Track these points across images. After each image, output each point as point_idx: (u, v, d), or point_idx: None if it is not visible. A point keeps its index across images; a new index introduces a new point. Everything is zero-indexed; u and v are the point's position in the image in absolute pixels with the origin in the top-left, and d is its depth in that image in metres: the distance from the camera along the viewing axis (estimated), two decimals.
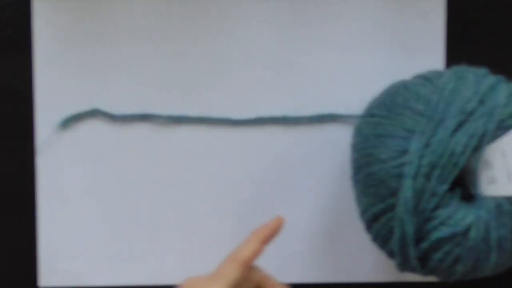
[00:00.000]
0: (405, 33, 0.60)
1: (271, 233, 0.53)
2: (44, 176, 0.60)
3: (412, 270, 0.52)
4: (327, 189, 0.60)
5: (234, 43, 0.60)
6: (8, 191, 0.61)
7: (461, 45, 0.60)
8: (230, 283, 0.50)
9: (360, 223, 0.54)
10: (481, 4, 0.60)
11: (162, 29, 0.60)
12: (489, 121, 0.48)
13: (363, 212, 0.52)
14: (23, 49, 0.60)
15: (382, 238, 0.51)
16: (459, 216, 0.49)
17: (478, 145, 0.48)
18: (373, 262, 0.60)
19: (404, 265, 0.52)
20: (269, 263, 0.60)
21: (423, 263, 0.51)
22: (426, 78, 0.52)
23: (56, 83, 0.60)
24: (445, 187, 0.48)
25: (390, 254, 0.52)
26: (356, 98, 0.59)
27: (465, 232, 0.49)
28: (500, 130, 0.49)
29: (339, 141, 0.59)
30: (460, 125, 0.49)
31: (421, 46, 0.60)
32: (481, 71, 0.52)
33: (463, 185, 0.50)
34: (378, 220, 0.51)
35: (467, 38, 0.60)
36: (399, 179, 0.49)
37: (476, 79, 0.51)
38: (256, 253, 0.52)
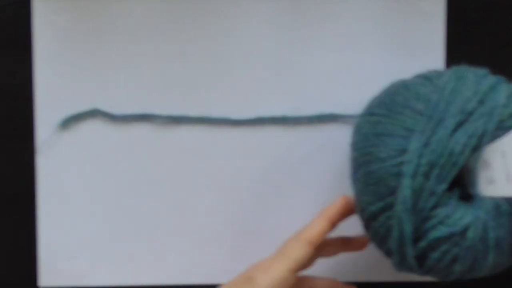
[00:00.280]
0: (405, 33, 0.60)
1: (341, 213, 0.52)
2: (44, 176, 0.60)
3: (410, 269, 0.52)
4: (327, 189, 0.60)
5: (234, 43, 0.60)
6: (8, 191, 0.61)
7: (461, 45, 0.60)
8: (296, 262, 0.49)
9: (359, 222, 0.54)
10: (481, 4, 0.60)
11: (162, 29, 0.60)
12: (488, 121, 0.48)
13: (362, 211, 0.52)
14: (23, 49, 0.60)
15: (380, 237, 0.51)
16: (457, 216, 0.49)
17: (478, 145, 0.48)
18: (372, 262, 0.60)
19: (401, 264, 0.52)
20: None
21: (421, 262, 0.51)
22: (426, 78, 0.52)
23: (56, 83, 0.60)
24: (443, 186, 0.48)
25: (388, 253, 0.52)
26: (356, 98, 0.59)
27: (463, 232, 0.49)
28: (499, 130, 0.49)
29: (339, 141, 0.59)
30: (459, 125, 0.49)
31: (421, 46, 0.60)
32: (481, 71, 0.52)
33: (462, 185, 0.50)
34: (377, 218, 0.51)
35: (467, 38, 0.60)
36: (398, 178, 0.49)
37: (476, 79, 0.51)
38: (324, 233, 0.51)
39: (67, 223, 0.60)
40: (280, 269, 0.49)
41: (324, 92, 0.60)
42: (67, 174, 0.60)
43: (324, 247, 0.54)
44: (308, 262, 0.51)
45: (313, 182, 0.60)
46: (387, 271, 0.59)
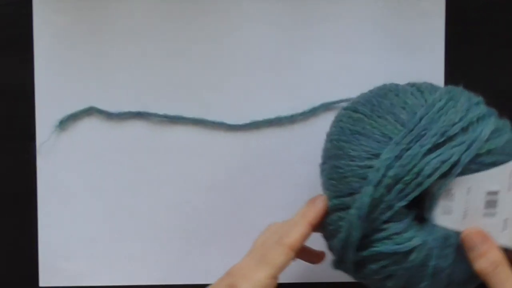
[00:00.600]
0: (405, 33, 0.60)
1: (319, 216, 0.51)
2: (44, 176, 0.60)
3: (345, 270, 0.52)
4: None
5: (234, 43, 0.60)
6: (8, 191, 0.61)
7: (461, 45, 0.60)
8: (279, 268, 0.49)
9: None
10: (481, 4, 0.60)
11: (161, 29, 0.60)
12: (466, 152, 0.48)
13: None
14: (23, 49, 0.60)
15: (329, 231, 0.51)
16: (406, 236, 0.48)
17: (447, 173, 0.47)
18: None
19: (339, 264, 0.51)
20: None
21: (357, 269, 0.51)
22: (419, 89, 0.51)
23: (56, 83, 0.60)
24: (402, 203, 0.48)
25: (331, 249, 0.52)
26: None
27: (407, 253, 0.48)
28: (474, 164, 0.48)
29: None
30: (436, 147, 0.48)
31: (421, 46, 0.60)
32: (476, 98, 0.51)
33: (419, 207, 0.50)
34: (330, 214, 0.51)
35: (467, 38, 0.60)
36: (361, 181, 0.49)
37: (468, 105, 0.50)
38: (305, 237, 0.51)
39: (67, 223, 0.60)
40: (263, 276, 0.49)
41: (324, 92, 0.60)
42: (66, 174, 0.60)
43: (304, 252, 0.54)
44: (288, 264, 0.51)
45: (312, 180, 0.60)
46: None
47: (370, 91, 0.53)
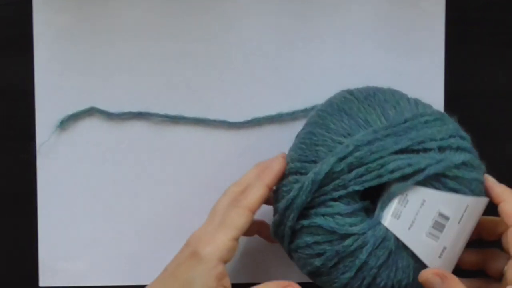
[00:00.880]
0: (405, 33, 0.60)
1: (277, 176, 0.52)
2: (44, 176, 0.60)
3: (281, 237, 0.52)
4: None
5: (234, 42, 0.60)
6: (8, 191, 0.61)
7: (461, 45, 0.60)
8: (239, 230, 0.50)
9: None
10: (481, 4, 0.60)
11: (162, 28, 0.60)
12: (433, 165, 0.48)
13: (288, 163, 0.52)
14: (23, 49, 0.60)
15: (279, 193, 0.52)
16: (348, 220, 0.49)
17: (409, 177, 0.48)
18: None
19: (277, 228, 0.52)
20: (269, 262, 0.60)
21: (292, 239, 0.51)
22: (417, 102, 0.52)
23: (56, 83, 0.60)
24: (357, 187, 0.49)
25: (274, 213, 0.53)
26: None
27: (343, 236, 0.49)
28: (437, 182, 0.49)
29: None
30: (408, 151, 0.49)
31: (421, 46, 0.60)
32: (465, 134, 0.52)
33: (372, 200, 0.51)
34: (287, 176, 0.51)
35: (467, 38, 0.60)
36: (328, 153, 0.49)
37: (453, 133, 0.51)
38: (263, 199, 0.51)
39: (67, 223, 0.60)
40: (224, 239, 0.49)
41: (324, 92, 0.60)
42: (66, 174, 0.60)
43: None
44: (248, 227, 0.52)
45: None
46: None
47: (374, 86, 0.54)
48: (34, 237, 0.60)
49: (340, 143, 0.49)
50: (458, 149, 0.50)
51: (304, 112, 0.60)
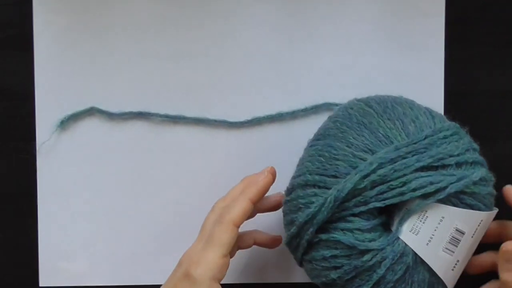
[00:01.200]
0: (405, 33, 0.60)
1: (261, 192, 0.53)
2: (44, 176, 0.60)
3: (295, 248, 0.52)
4: None
5: (234, 42, 0.60)
6: (8, 191, 0.61)
7: (461, 45, 0.60)
8: (226, 247, 0.50)
9: None
10: (481, 4, 0.60)
11: (161, 29, 0.60)
12: (454, 183, 0.49)
13: (298, 176, 0.52)
14: (23, 49, 0.60)
15: (294, 205, 0.52)
16: (368, 236, 0.49)
17: (430, 195, 0.49)
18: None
19: (293, 240, 0.52)
20: (269, 262, 0.60)
21: (308, 250, 0.51)
22: (432, 114, 0.53)
23: (56, 83, 0.60)
24: (378, 204, 0.49)
25: (289, 222, 0.52)
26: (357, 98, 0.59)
27: (362, 252, 0.49)
28: (455, 198, 0.50)
29: None
30: (429, 168, 0.49)
31: (421, 46, 0.60)
32: (476, 145, 0.53)
33: (391, 216, 0.51)
34: (305, 188, 0.51)
35: (467, 38, 0.60)
36: (349, 168, 0.49)
37: (468, 146, 0.51)
38: (247, 213, 0.52)
39: (67, 223, 0.60)
40: (213, 257, 0.50)
41: (324, 92, 0.60)
42: (66, 174, 0.60)
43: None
44: (240, 245, 0.52)
45: None
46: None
47: (387, 96, 0.54)
48: (34, 237, 0.60)
49: (362, 159, 0.50)
50: (473, 163, 0.51)
51: (304, 111, 0.60)
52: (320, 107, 0.60)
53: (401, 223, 0.50)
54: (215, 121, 0.60)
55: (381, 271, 0.49)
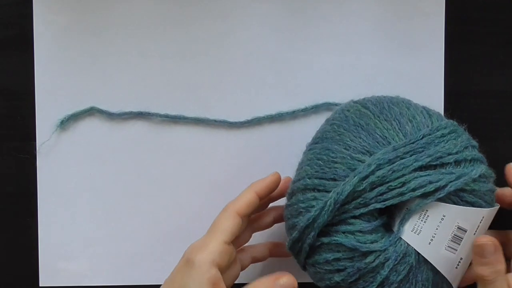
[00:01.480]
0: (405, 33, 0.60)
1: (267, 186, 0.53)
2: (44, 176, 0.60)
3: (297, 253, 0.52)
4: None
5: (234, 42, 0.60)
6: (8, 191, 0.61)
7: (461, 45, 0.60)
8: (228, 233, 0.51)
9: None
10: (481, 4, 0.60)
11: (161, 29, 0.60)
12: (454, 182, 0.49)
13: (297, 180, 0.52)
14: (23, 49, 0.60)
15: (295, 209, 0.52)
16: (370, 237, 0.49)
17: (429, 194, 0.49)
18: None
19: (294, 244, 0.52)
20: (270, 262, 0.60)
21: (310, 254, 0.51)
22: (429, 112, 0.53)
23: (56, 83, 0.60)
24: (378, 205, 0.49)
25: (290, 227, 0.52)
26: (356, 98, 0.59)
27: (365, 253, 0.49)
28: (456, 196, 0.49)
29: None
30: (427, 167, 0.49)
31: (421, 46, 0.60)
32: (474, 142, 0.53)
33: (391, 216, 0.51)
34: (306, 192, 0.51)
35: (467, 38, 0.60)
36: (348, 171, 0.50)
37: (467, 144, 0.51)
38: (251, 203, 0.52)
39: (67, 223, 0.60)
40: (215, 243, 0.50)
41: (324, 93, 0.60)
42: (66, 174, 0.60)
43: (257, 219, 0.56)
44: (240, 232, 0.52)
45: None
46: None
47: (383, 96, 0.54)
48: (34, 237, 0.60)
49: (360, 160, 0.49)
50: (472, 160, 0.51)
51: (304, 111, 0.60)
52: (320, 107, 0.60)
53: (402, 223, 0.50)
54: (215, 121, 0.60)
55: (384, 272, 0.49)
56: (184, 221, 0.60)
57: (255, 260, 0.57)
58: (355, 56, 0.60)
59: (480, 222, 0.50)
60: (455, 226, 0.50)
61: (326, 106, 0.60)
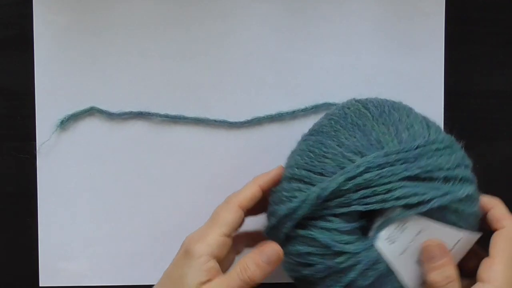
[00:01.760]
0: (405, 33, 0.60)
1: (271, 180, 0.53)
2: (44, 176, 0.60)
3: (271, 239, 0.52)
4: None
5: (234, 42, 0.60)
6: (8, 191, 0.61)
7: (461, 45, 0.60)
8: (229, 226, 0.51)
9: None
10: (481, 4, 0.60)
11: (162, 29, 0.60)
12: (439, 198, 0.48)
13: (286, 168, 0.53)
14: (23, 49, 0.60)
15: (278, 197, 0.52)
16: (345, 238, 0.49)
17: (412, 206, 0.48)
18: None
19: (271, 231, 0.52)
20: None
21: (285, 244, 0.51)
22: (428, 124, 0.52)
23: (56, 83, 0.60)
24: (359, 208, 0.49)
25: (271, 214, 0.52)
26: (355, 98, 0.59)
27: (337, 253, 0.49)
28: (438, 213, 0.49)
29: None
30: (416, 179, 0.49)
31: (421, 46, 0.60)
32: (468, 161, 0.52)
33: (369, 220, 0.50)
34: (289, 181, 0.51)
35: (467, 38, 0.60)
36: (337, 168, 0.49)
37: (460, 162, 0.50)
38: (253, 197, 0.52)
39: (67, 223, 0.60)
40: (215, 235, 0.50)
41: (324, 93, 0.60)
42: (66, 174, 0.60)
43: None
44: (240, 225, 0.52)
45: None
46: None
47: (386, 99, 0.54)
48: (34, 237, 0.60)
49: (351, 160, 0.49)
50: (462, 179, 0.50)
51: (304, 111, 0.60)
52: (320, 107, 0.60)
53: (379, 230, 0.49)
54: (215, 121, 0.60)
55: (352, 275, 0.49)
56: (184, 221, 0.60)
57: (249, 245, 0.57)
58: (355, 56, 0.60)
59: (456, 244, 0.50)
60: None
61: (326, 106, 0.60)
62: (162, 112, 0.60)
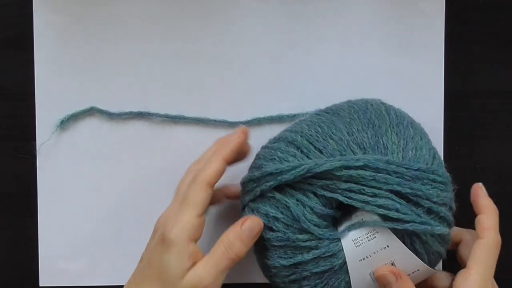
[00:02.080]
0: (405, 33, 0.60)
1: (234, 150, 0.53)
2: (44, 176, 0.60)
3: (244, 190, 0.53)
4: None
5: (234, 42, 0.60)
6: (8, 191, 0.61)
7: (461, 45, 0.60)
8: (201, 206, 0.50)
9: None
10: (481, 4, 0.60)
11: (161, 29, 0.60)
12: (416, 225, 0.48)
13: (290, 131, 0.53)
14: (23, 49, 0.60)
15: (271, 155, 0.52)
16: (316, 219, 0.50)
17: (390, 219, 0.49)
18: None
19: (249, 181, 0.52)
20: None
21: (256, 198, 0.52)
22: (435, 155, 0.52)
23: (56, 83, 0.60)
24: (342, 199, 0.49)
25: (256, 166, 0.53)
26: (356, 98, 0.59)
27: (302, 229, 0.50)
28: (408, 237, 0.49)
29: None
30: (404, 197, 0.49)
31: (421, 46, 0.60)
32: (454, 205, 0.52)
33: (346, 216, 0.51)
34: (290, 145, 0.52)
35: (467, 38, 0.60)
36: (339, 151, 0.50)
37: (449, 201, 0.51)
38: (220, 172, 0.52)
39: (67, 223, 0.60)
40: (189, 218, 0.50)
41: (324, 93, 0.60)
42: (66, 174, 0.60)
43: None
44: (209, 201, 0.52)
45: None
46: None
47: (408, 115, 0.54)
48: (34, 237, 0.60)
49: (353, 151, 0.50)
50: (442, 218, 0.50)
51: (305, 116, 0.60)
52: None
53: (350, 228, 0.50)
54: (215, 121, 0.60)
55: (306, 257, 0.49)
56: None
57: (229, 197, 0.57)
58: (355, 56, 0.60)
59: (413, 272, 0.50)
60: (391, 261, 0.49)
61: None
62: (162, 112, 0.60)
